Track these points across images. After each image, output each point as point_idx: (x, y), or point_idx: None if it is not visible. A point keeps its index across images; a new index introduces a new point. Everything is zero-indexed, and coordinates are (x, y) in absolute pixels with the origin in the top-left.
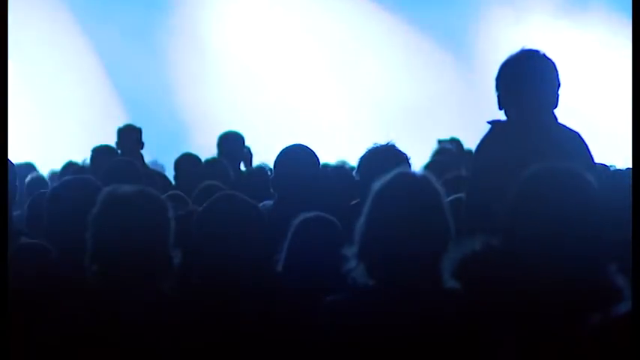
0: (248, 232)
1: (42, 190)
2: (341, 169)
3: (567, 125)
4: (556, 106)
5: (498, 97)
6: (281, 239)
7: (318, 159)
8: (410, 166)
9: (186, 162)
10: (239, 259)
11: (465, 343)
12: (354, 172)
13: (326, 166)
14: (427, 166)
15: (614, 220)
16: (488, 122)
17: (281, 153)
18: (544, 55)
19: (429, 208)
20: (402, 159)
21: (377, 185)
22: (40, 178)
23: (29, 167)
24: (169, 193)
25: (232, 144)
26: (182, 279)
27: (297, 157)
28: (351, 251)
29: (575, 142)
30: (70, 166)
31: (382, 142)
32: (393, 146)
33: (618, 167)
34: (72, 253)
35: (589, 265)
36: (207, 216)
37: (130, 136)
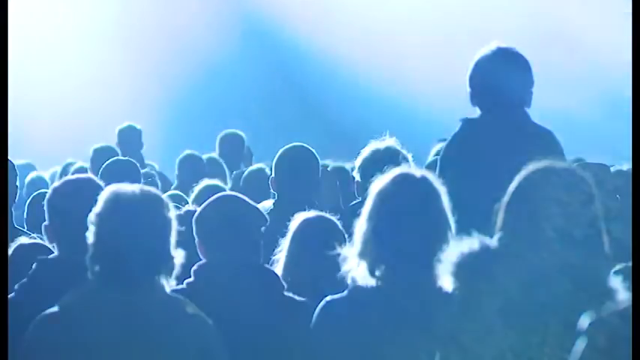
0: (248, 232)
1: (42, 190)
2: (341, 169)
3: (540, 124)
4: (529, 105)
5: (470, 94)
6: (281, 239)
7: (318, 159)
8: (410, 165)
9: (189, 162)
10: (239, 259)
11: (467, 342)
12: (354, 172)
13: (326, 166)
14: (427, 166)
15: (612, 219)
16: (460, 120)
17: (281, 153)
18: (517, 53)
19: (428, 207)
20: (402, 158)
21: (377, 185)
22: (40, 178)
23: (29, 167)
24: (169, 192)
25: (232, 144)
26: (183, 279)
27: (296, 157)
28: (350, 251)
29: (546, 140)
30: (70, 166)
31: (382, 141)
32: (393, 146)
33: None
34: (72, 253)
35: (586, 265)
36: (207, 216)
37: (130, 136)
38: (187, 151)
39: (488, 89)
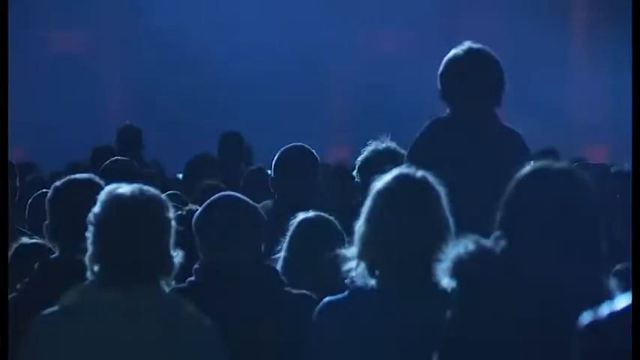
0: (247, 232)
1: (42, 190)
2: (342, 168)
3: (508, 125)
4: (499, 105)
5: (441, 91)
6: (280, 239)
7: (317, 159)
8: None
9: (197, 162)
10: (238, 259)
11: (465, 342)
12: (354, 172)
13: (326, 166)
14: None
15: (612, 220)
16: (430, 117)
17: (280, 153)
18: (489, 53)
19: (428, 207)
20: (402, 159)
21: (376, 185)
22: (40, 178)
23: (29, 167)
24: (169, 192)
25: (232, 143)
26: (182, 279)
27: (296, 156)
28: (350, 251)
29: (512, 141)
30: (70, 166)
31: (382, 141)
32: (393, 146)
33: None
34: (73, 252)
35: (584, 266)
36: (206, 216)
37: (130, 136)
38: (200, 152)
39: (458, 88)
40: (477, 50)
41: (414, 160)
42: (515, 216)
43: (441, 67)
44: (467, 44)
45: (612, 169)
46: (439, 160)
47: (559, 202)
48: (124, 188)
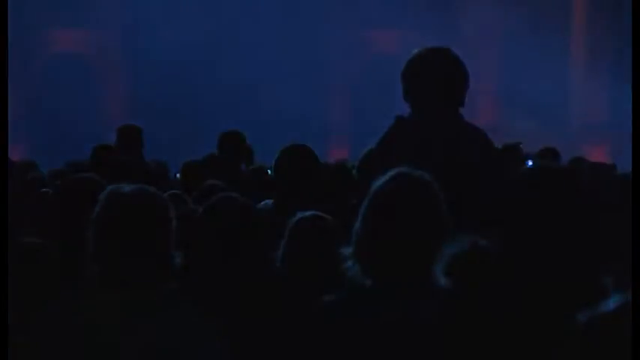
0: (247, 232)
1: (43, 190)
2: (342, 168)
3: (473, 123)
4: (462, 104)
5: (403, 90)
6: (280, 239)
7: (317, 158)
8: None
9: (197, 162)
10: (238, 259)
11: (462, 341)
12: (354, 172)
13: (326, 166)
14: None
15: (611, 219)
16: (396, 116)
17: (281, 153)
18: (452, 53)
19: (427, 208)
20: None
21: (376, 185)
22: (40, 178)
23: (29, 166)
24: (169, 192)
25: (232, 143)
26: (183, 279)
27: (296, 156)
28: (348, 251)
29: (476, 139)
30: (71, 166)
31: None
32: None
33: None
34: (73, 252)
35: (582, 265)
36: (207, 216)
37: (131, 135)
38: (211, 152)
39: (417, 87)
40: (438, 50)
41: (377, 160)
42: (513, 215)
43: (404, 66)
44: (430, 45)
45: (617, 169)
46: (401, 160)
47: (557, 202)
48: (126, 188)
